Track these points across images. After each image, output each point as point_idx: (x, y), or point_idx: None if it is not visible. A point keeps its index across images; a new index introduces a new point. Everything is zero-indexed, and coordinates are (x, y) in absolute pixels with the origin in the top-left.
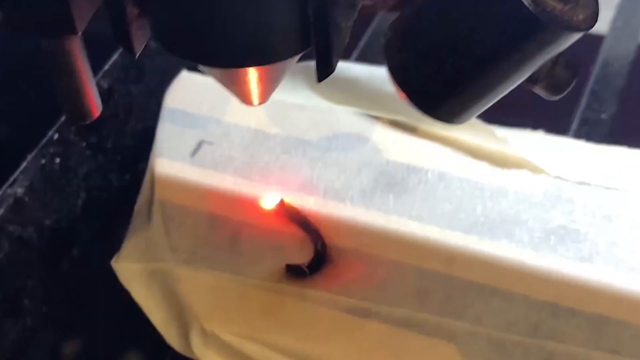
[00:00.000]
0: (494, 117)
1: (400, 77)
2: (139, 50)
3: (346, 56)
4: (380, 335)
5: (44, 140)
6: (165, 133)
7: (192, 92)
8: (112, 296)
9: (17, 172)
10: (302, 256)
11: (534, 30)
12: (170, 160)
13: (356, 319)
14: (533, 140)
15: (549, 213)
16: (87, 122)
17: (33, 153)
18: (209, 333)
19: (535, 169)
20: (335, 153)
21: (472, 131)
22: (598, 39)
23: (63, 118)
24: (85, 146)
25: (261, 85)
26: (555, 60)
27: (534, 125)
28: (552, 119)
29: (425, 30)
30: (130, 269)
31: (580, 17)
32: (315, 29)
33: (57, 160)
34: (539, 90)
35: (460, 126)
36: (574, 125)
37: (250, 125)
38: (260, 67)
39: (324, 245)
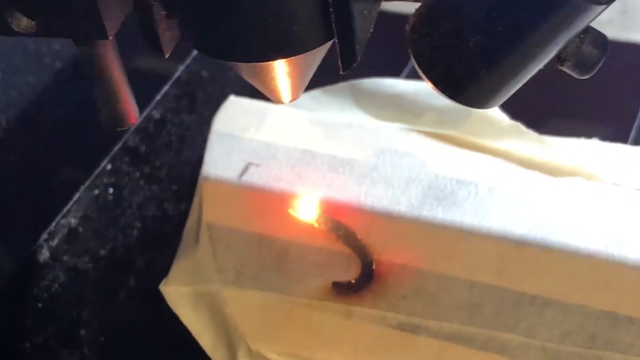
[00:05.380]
0: (548, 126)
1: (425, 63)
2: (168, 51)
3: (396, 74)
4: (430, 351)
5: (97, 171)
6: (214, 156)
7: (239, 115)
8: (168, 324)
9: (71, 202)
10: (349, 273)
11: (555, 3)
12: (218, 183)
13: (405, 335)
14: (587, 149)
15: (604, 221)
16: (125, 128)
17: (86, 184)
18: (255, 353)
19: (590, 177)
20: (382, 170)
21: (522, 142)
22: None
23: (116, 148)
24: (139, 176)
25: (290, 79)
26: (582, 38)
27: (592, 134)
28: (611, 127)
29: (447, 11)
30: (178, 293)
31: None
32: (335, 17)
33: (111, 190)
34: (567, 69)
35: (510, 137)
36: (633, 133)
37: (297, 146)
38: (286, 60)
39: (371, 261)
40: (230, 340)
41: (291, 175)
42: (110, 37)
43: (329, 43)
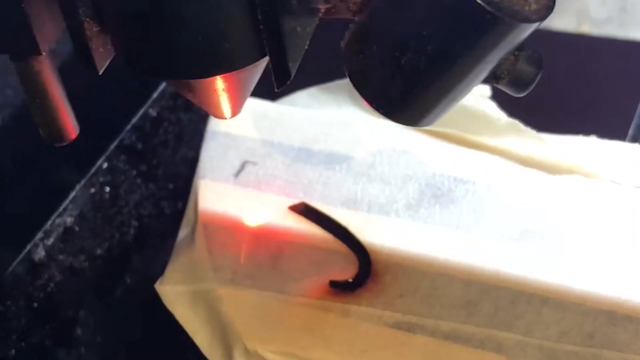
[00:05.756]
0: (546, 124)
1: (359, 81)
2: (101, 68)
3: None
4: (426, 350)
5: (93, 169)
6: (209, 154)
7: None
8: (164, 324)
9: (67, 201)
10: (346, 272)
11: (483, 23)
12: (214, 182)
13: (401, 334)
14: (585, 146)
15: (603, 219)
16: (64, 144)
17: (82, 182)
18: (251, 352)
19: (588, 175)
20: (379, 167)
21: (520, 139)
22: None
23: (112, 147)
24: (135, 175)
25: (227, 95)
26: (516, 56)
27: (590, 132)
28: (609, 125)
29: (379, 30)
30: (173, 292)
31: (533, 7)
32: (266, 35)
33: (107, 189)
34: (503, 87)
35: (508, 135)
36: (631, 130)
37: (293, 144)
38: (221, 76)
39: (368, 260)
40: (226, 339)
41: (287, 174)
42: (44, 53)
43: (266, 58)
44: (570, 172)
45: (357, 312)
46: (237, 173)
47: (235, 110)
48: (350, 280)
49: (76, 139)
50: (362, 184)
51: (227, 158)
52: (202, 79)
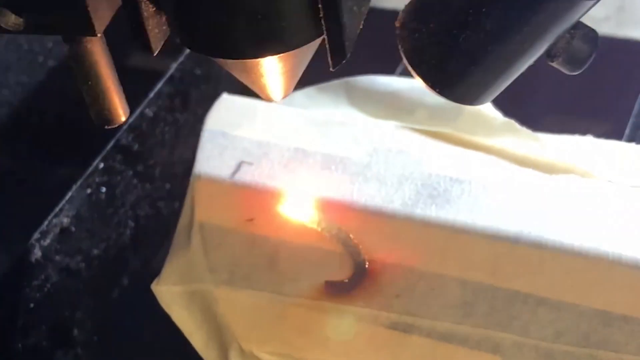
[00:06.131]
0: (542, 123)
1: (414, 59)
2: (157, 48)
3: (390, 71)
4: (422, 350)
5: (90, 170)
6: (206, 154)
7: (232, 114)
8: (161, 324)
9: (63, 201)
10: (342, 273)
11: None
12: (210, 182)
13: (397, 334)
14: (582, 146)
15: (599, 218)
16: (115, 126)
17: (79, 182)
18: (247, 353)
19: (584, 174)
20: (375, 168)
21: (516, 139)
22: None
23: (109, 147)
24: (131, 175)
25: (280, 77)
26: (572, 34)
27: (587, 131)
28: (606, 124)
29: (436, 7)
30: (170, 292)
31: None
32: (324, 14)
33: (104, 189)
34: (558, 65)
35: (504, 134)
36: (628, 130)
37: (289, 144)
38: (276, 57)
39: (364, 260)
40: (222, 340)
41: (284, 174)
42: (99, 34)
43: (319, 40)
44: (566, 171)
45: (353, 312)
46: (234, 173)
47: (287, 92)
48: (346, 280)
49: (72, 139)
50: (359, 184)
51: (223, 158)
52: (257, 60)
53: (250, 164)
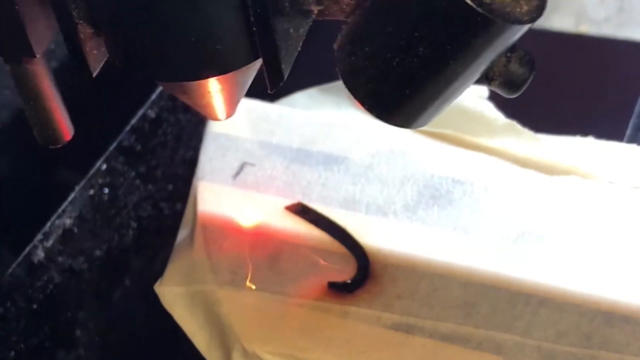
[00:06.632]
0: (544, 124)
1: (352, 82)
2: (95, 70)
3: None
4: (424, 351)
5: (92, 171)
6: (208, 156)
7: (234, 115)
8: (163, 325)
9: (66, 203)
10: (344, 273)
11: (475, 25)
12: (213, 183)
13: (400, 335)
14: (583, 147)
15: (600, 220)
16: (59, 145)
17: (81, 184)
18: (250, 353)
19: (585, 175)
20: (377, 168)
21: (518, 140)
22: None
23: (111, 148)
24: (134, 176)
25: (221, 97)
26: (509, 57)
27: (588, 132)
28: (607, 125)
29: (371, 31)
30: (172, 293)
31: (525, 9)
32: (259, 37)
33: (106, 190)
34: (495, 88)
35: (505, 136)
36: (629, 131)
37: (292, 145)
38: (215, 78)
39: (366, 261)
40: (224, 340)
41: (286, 175)
42: (38, 55)
43: (260, 60)
44: (567, 172)
45: (356, 313)
46: (236, 174)
47: (230, 112)
48: (349, 281)
49: (74, 141)
50: (361, 185)
51: (225, 159)
52: (196, 81)
53: (253, 165)
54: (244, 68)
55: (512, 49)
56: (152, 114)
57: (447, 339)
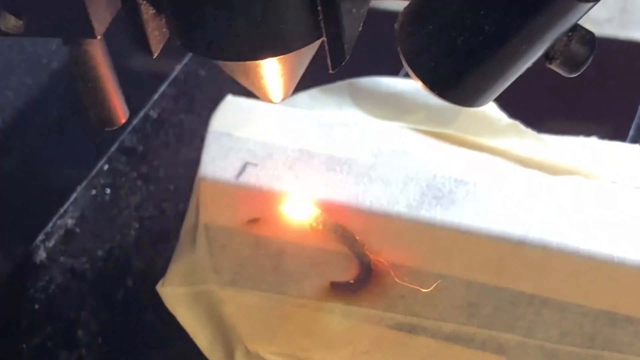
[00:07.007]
0: (547, 124)
1: (413, 61)
2: (156, 51)
3: (394, 72)
4: (427, 351)
5: (94, 171)
6: (211, 155)
7: (237, 115)
8: (166, 325)
9: (67, 203)
10: (347, 273)
11: (542, 1)
12: (215, 183)
13: (402, 335)
14: (586, 147)
15: (605, 220)
16: (114, 128)
17: (83, 184)
18: (253, 354)
19: (588, 175)
20: (380, 169)
21: (521, 140)
22: None
23: (113, 149)
24: (136, 176)
25: (279, 78)
26: (570, 36)
27: (591, 132)
28: (610, 125)
29: (434, 9)
30: (175, 293)
31: None
32: (324, 16)
33: (108, 190)
34: (556, 67)
35: (508, 135)
36: (632, 131)
37: (294, 145)
38: (275, 59)
39: (369, 261)
40: (227, 340)
41: (288, 175)
42: (98, 37)
43: (318, 42)
44: (570, 173)
45: (359, 313)
46: (238, 174)
47: (286, 94)
48: (352, 281)
49: (76, 141)
50: (364, 185)
51: (228, 159)
52: (256, 62)
53: (255, 165)
54: (303, 49)
55: (573, 28)
56: (154, 114)
57: (450, 339)
